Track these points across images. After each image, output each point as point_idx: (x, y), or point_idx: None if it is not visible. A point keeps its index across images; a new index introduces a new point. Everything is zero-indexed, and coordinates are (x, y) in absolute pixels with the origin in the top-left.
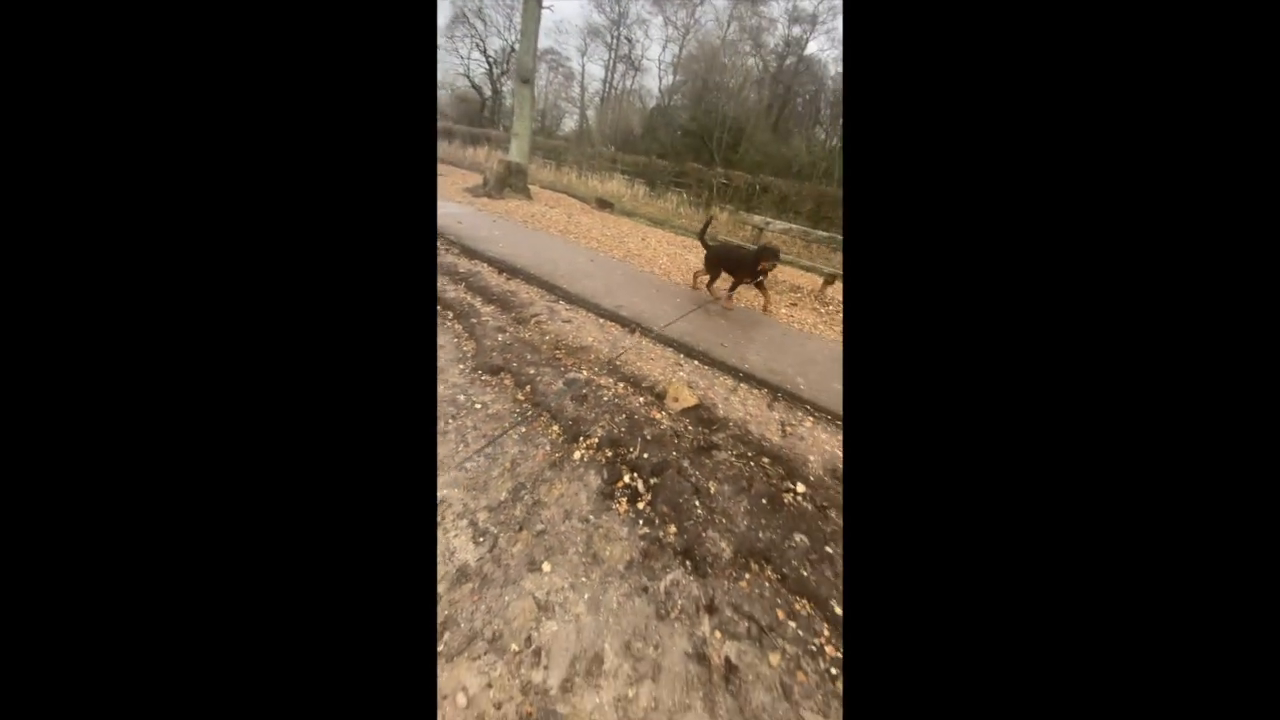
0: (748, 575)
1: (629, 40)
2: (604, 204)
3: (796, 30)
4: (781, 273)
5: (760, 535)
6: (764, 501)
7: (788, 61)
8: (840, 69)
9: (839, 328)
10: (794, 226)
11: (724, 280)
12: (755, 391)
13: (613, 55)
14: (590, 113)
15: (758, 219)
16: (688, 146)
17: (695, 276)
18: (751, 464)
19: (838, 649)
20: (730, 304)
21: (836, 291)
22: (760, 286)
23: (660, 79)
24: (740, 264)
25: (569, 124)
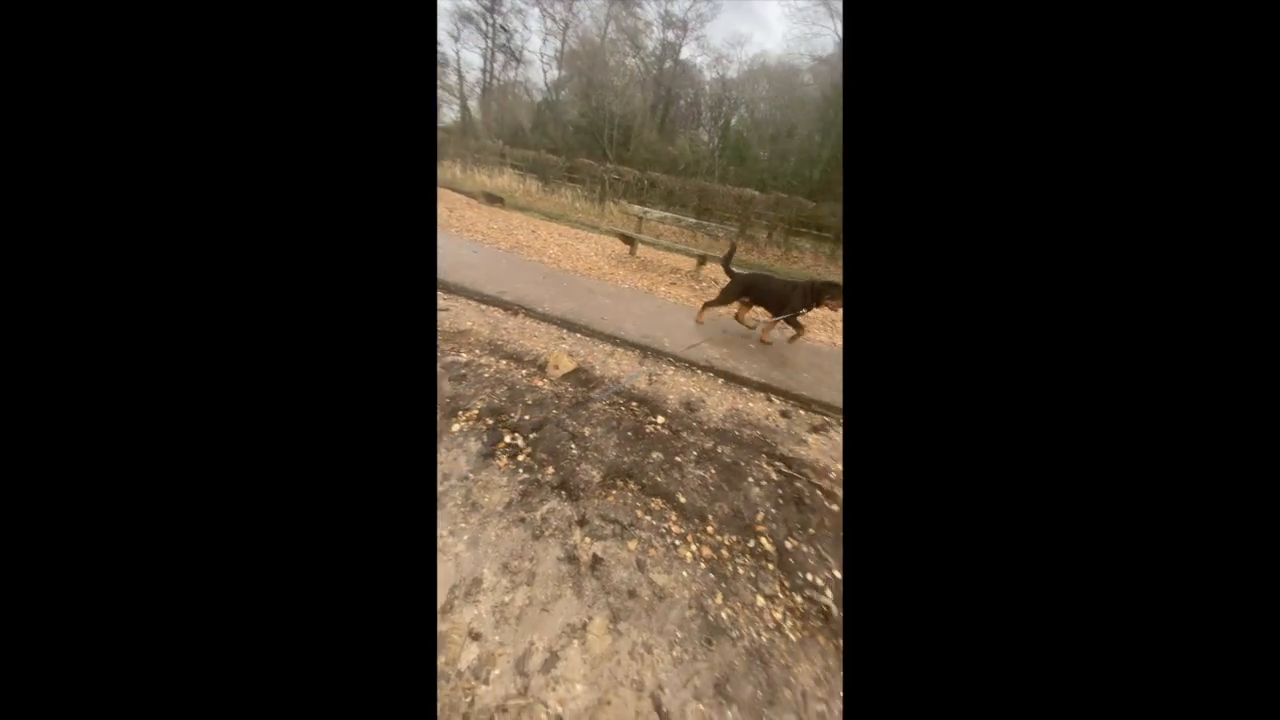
0: (614, 491)
1: (505, 29)
2: (493, 199)
3: (670, 35)
4: (661, 256)
5: (626, 459)
6: (630, 434)
7: (666, 65)
8: (714, 75)
9: (706, 298)
10: (669, 215)
11: (733, 308)
12: (630, 353)
13: (490, 44)
14: (472, 104)
15: (636, 209)
16: (580, 142)
17: (704, 308)
18: (622, 409)
19: (681, 527)
20: (768, 336)
21: (708, 271)
22: (795, 323)
23: (545, 72)
24: (782, 298)
25: (448, 115)
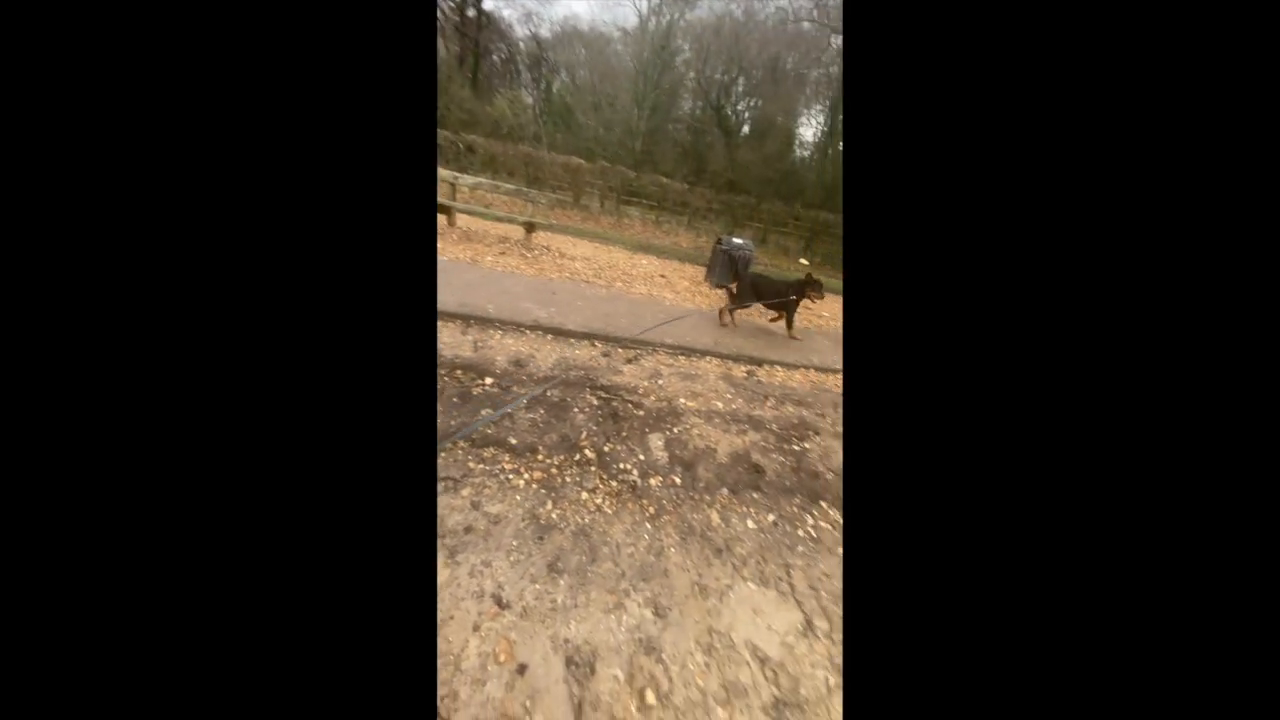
0: (442, 455)
1: None
2: None
3: None
4: (489, 226)
5: (453, 423)
6: (456, 400)
7: (469, 13)
8: (525, 32)
9: (537, 267)
10: (484, 181)
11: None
12: (450, 324)
13: None
14: None
15: (446, 174)
16: None
17: (721, 313)
18: (445, 379)
19: (514, 464)
20: (775, 324)
21: (538, 239)
22: (788, 313)
23: None
24: (779, 293)
25: None
